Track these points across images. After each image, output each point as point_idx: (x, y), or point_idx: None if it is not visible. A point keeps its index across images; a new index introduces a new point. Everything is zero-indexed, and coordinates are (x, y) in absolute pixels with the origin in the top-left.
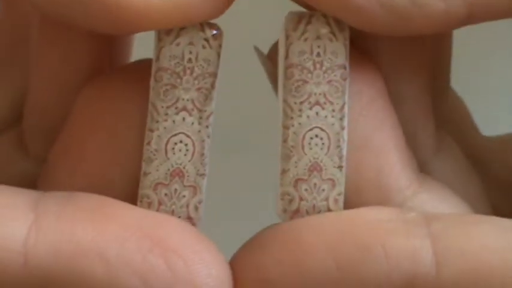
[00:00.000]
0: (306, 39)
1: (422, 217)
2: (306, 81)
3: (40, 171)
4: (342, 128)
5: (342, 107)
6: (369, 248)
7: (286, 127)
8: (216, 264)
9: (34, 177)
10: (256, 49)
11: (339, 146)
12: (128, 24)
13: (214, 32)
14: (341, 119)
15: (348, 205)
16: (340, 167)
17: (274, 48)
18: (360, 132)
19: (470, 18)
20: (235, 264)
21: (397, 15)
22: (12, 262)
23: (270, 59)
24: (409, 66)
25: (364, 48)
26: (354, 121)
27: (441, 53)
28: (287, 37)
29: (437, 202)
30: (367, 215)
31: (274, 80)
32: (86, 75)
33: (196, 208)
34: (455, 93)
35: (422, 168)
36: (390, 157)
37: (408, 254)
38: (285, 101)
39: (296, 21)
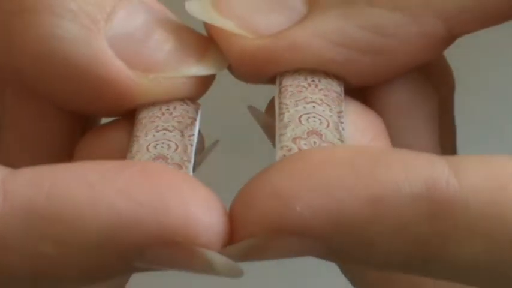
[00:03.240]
0: (300, 73)
1: None
2: (301, 91)
3: None
4: (341, 123)
5: (340, 112)
6: (384, 155)
7: (281, 113)
8: (205, 189)
9: None
10: (250, 108)
11: (337, 129)
12: (115, 101)
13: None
14: (339, 117)
15: None
16: (341, 141)
17: (272, 102)
18: None
19: (453, 32)
20: (245, 187)
21: (375, 53)
22: None
23: (268, 113)
24: (416, 119)
25: (372, 103)
26: None
27: (446, 116)
28: (281, 74)
29: None
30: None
31: (271, 133)
32: (57, 141)
33: None
34: None
35: None
36: None
37: (425, 162)
38: (280, 103)
39: None
